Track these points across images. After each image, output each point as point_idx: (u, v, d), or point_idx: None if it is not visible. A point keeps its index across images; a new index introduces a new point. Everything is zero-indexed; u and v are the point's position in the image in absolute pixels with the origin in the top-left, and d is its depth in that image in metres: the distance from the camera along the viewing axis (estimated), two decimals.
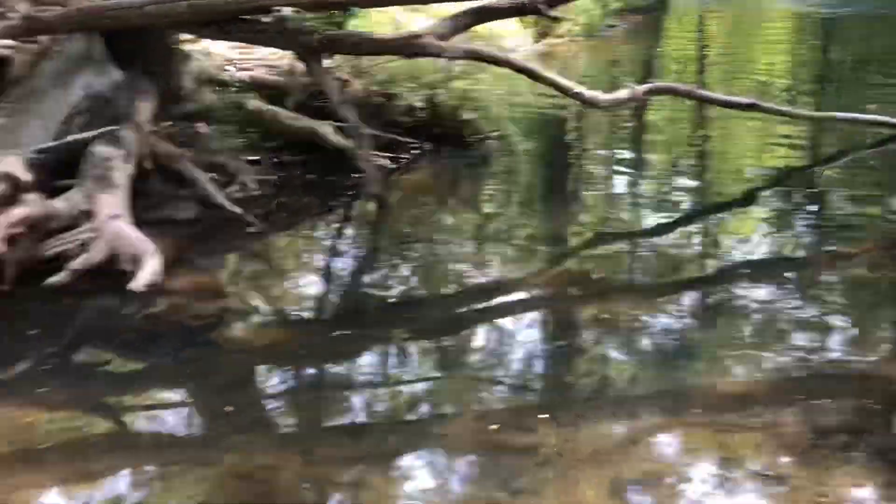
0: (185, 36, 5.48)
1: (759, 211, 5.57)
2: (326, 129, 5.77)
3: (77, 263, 4.08)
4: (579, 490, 2.74)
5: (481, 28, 6.04)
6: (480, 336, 3.97)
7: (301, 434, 3.22)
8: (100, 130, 4.53)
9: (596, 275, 4.65)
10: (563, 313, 4.28)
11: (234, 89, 6.01)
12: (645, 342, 3.82)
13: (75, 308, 4.03)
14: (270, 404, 3.44)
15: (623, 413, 3.21)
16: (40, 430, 3.12)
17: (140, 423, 3.36)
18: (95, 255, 4.10)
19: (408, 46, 5.31)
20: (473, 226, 5.57)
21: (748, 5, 16.96)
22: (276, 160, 5.81)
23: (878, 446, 2.95)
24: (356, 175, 5.54)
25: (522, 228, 5.51)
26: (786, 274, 4.59)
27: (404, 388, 3.49)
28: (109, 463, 2.97)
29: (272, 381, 3.62)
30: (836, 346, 3.76)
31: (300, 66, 5.82)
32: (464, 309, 4.33)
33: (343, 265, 4.90)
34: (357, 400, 3.42)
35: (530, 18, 9.37)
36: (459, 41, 5.41)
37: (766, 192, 5.87)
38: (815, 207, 5.71)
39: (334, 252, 5.05)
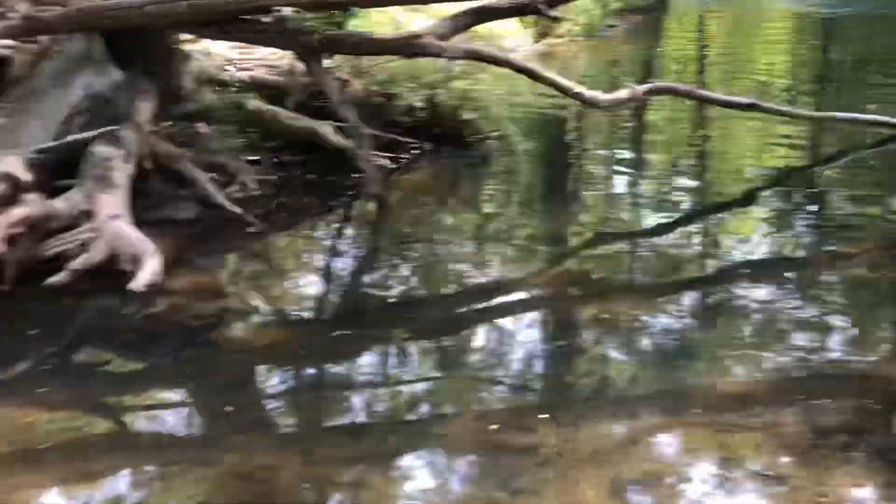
0: (184, 36, 5.48)
1: (758, 211, 5.57)
2: (326, 129, 5.77)
3: (77, 263, 4.07)
4: (579, 490, 2.74)
5: (481, 28, 6.05)
6: (480, 336, 3.98)
7: (301, 434, 3.22)
8: (100, 130, 4.53)
9: (596, 275, 4.65)
10: (563, 313, 4.28)
11: (234, 89, 6.01)
12: (645, 342, 3.82)
13: (75, 308, 4.03)
14: (270, 404, 3.44)
15: (623, 413, 3.21)
16: (40, 430, 3.12)
17: (140, 423, 3.36)
18: (95, 255, 4.10)
19: (408, 46, 5.31)
20: (473, 226, 5.57)
21: (748, 5, 16.97)
22: (276, 160, 5.82)
23: (879, 446, 2.95)
24: (356, 175, 5.54)
25: (522, 228, 5.51)
26: (786, 274, 4.59)
27: (404, 389, 3.50)
28: (109, 463, 2.97)
29: (272, 381, 3.63)
30: (836, 346, 3.76)
31: (300, 66, 5.82)
32: (464, 309, 4.33)
33: (343, 265, 4.90)
34: (357, 400, 3.42)
35: (530, 18, 9.38)
36: (459, 41, 5.41)
37: (766, 192, 5.87)
38: (814, 207, 5.71)
39: (334, 252, 5.05)
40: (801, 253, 5.00)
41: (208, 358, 3.69)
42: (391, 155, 6.09)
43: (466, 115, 6.55)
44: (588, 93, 5.55)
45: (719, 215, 5.62)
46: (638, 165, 6.77)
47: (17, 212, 4.05)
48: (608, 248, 5.07)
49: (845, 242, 4.97)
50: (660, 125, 7.98)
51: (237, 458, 2.94)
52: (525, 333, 3.98)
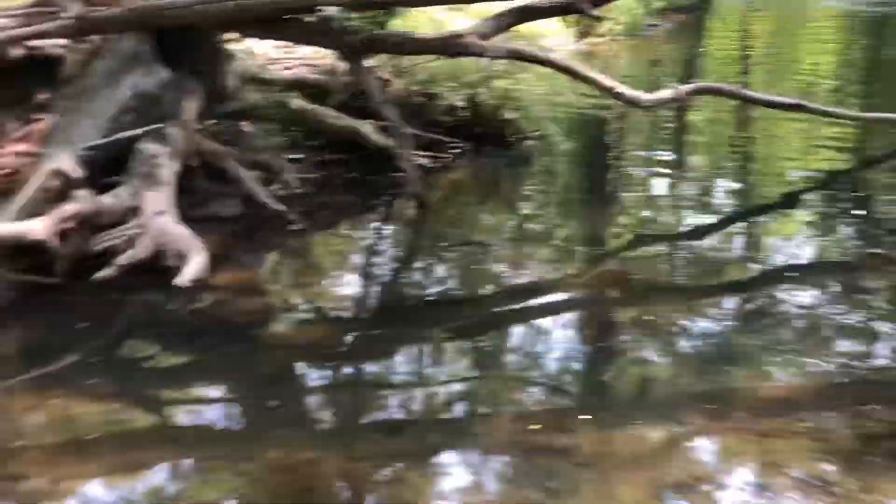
0: (228, 35, 5.53)
1: (802, 214, 5.50)
2: (368, 128, 5.79)
3: (124, 258, 4.13)
4: (618, 493, 2.73)
5: (522, 27, 6.03)
6: (519, 336, 3.98)
7: (341, 430, 3.24)
8: (147, 128, 4.58)
9: (636, 276, 4.62)
10: (603, 314, 4.26)
11: (277, 88, 6.06)
12: (686, 344, 3.79)
13: (122, 302, 4.09)
14: (311, 400, 3.48)
15: (664, 416, 3.18)
16: (88, 421, 3.18)
17: (184, 415, 3.42)
18: (142, 250, 4.15)
19: (450, 46, 5.32)
20: (513, 226, 5.56)
21: (793, 4, 16.71)
22: (317, 159, 5.86)
23: None
24: (397, 174, 5.56)
25: (562, 229, 5.49)
26: (830, 278, 4.52)
27: (442, 387, 3.50)
28: (153, 454, 3.01)
29: (313, 377, 3.66)
30: (882, 351, 3.70)
31: (341, 65, 5.87)
32: (503, 309, 4.33)
33: (383, 264, 4.92)
34: (396, 397, 3.43)
35: (571, 17, 9.34)
36: (499, 40, 5.41)
37: (811, 195, 5.79)
38: (861, 211, 5.61)
39: (374, 251, 5.08)
40: (845, 257, 4.92)
41: (251, 353, 3.73)
42: (432, 154, 6.10)
43: (507, 115, 6.54)
44: (630, 92, 5.49)
45: (762, 218, 5.55)
46: (679, 166, 6.71)
47: (69, 207, 4.11)
48: (648, 249, 5.02)
49: (892, 246, 4.88)
50: (702, 126, 7.90)
51: (279, 452, 2.96)
52: (564, 334, 3.97)
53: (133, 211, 4.31)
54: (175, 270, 4.10)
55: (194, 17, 4.85)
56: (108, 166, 4.49)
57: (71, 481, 2.86)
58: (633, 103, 5.59)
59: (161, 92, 4.82)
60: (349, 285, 4.58)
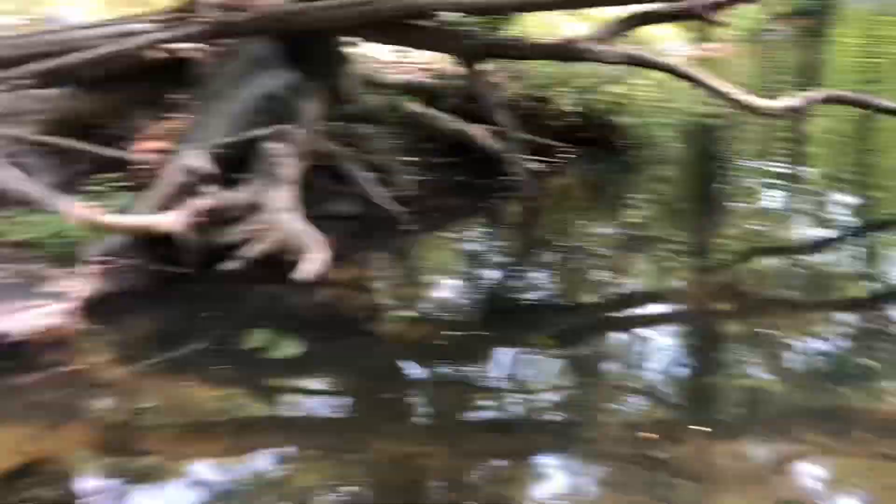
0: (346, 39, 5.68)
1: None
2: (479, 132, 5.84)
3: (248, 252, 4.30)
4: None
5: (637, 32, 5.97)
6: (627, 344, 3.95)
7: (448, 426, 3.28)
8: (272, 129, 4.75)
9: (747, 289, 4.51)
10: (712, 326, 4.19)
11: (392, 92, 6.19)
12: (799, 360, 3.71)
13: (244, 294, 4.23)
14: (418, 395, 3.55)
15: (774, 433, 3.12)
16: (209, 406, 3.35)
17: (295, 404, 3.54)
18: (266, 245, 4.30)
19: (568, 51, 5.30)
20: (621, 233, 5.51)
21: None
22: (430, 161, 5.94)
23: None
24: (507, 178, 5.60)
25: (671, 238, 5.40)
26: None
27: (549, 392, 3.51)
28: (267, 440, 3.14)
29: (422, 373, 3.71)
30: None
31: (454, 69, 5.95)
32: (610, 316, 4.32)
33: (490, 266, 4.97)
34: (502, 399, 3.46)
35: (687, 22, 9.16)
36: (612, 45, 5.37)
37: None
38: None
39: (482, 253, 5.13)
40: None
41: (363, 348, 3.81)
42: (542, 159, 6.10)
43: (619, 121, 6.51)
44: (749, 100, 5.38)
45: (881, 233, 5.34)
46: (795, 177, 6.51)
47: (200, 202, 4.30)
48: (760, 261, 4.91)
49: None
50: (823, 135, 7.63)
51: (387, 444, 3.04)
52: (672, 345, 3.92)
53: (256, 207, 4.45)
54: (294, 265, 4.20)
55: (321, 22, 4.98)
56: (234, 164, 4.68)
57: (186, 460, 3.00)
58: (752, 110, 5.46)
59: (285, 94, 4.99)
60: (457, 286, 4.63)
